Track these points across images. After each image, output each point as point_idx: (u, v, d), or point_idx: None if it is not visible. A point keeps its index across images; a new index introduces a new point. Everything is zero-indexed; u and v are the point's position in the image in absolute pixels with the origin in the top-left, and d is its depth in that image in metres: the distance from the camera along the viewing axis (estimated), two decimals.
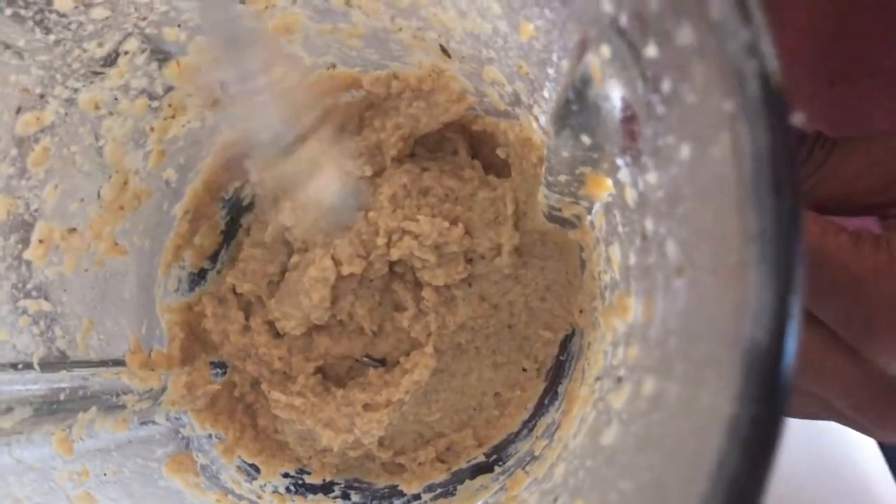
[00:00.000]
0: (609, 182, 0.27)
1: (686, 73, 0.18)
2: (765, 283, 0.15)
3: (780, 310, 0.15)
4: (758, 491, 0.14)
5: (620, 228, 0.27)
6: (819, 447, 0.57)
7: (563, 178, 0.29)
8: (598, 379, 0.30)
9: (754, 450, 0.14)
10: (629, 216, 0.25)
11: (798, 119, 0.16)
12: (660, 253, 0.21)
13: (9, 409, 0.30)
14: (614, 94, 0.22)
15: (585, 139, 0.25)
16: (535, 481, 0.32)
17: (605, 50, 0.21)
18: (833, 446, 0.58)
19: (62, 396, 0.33)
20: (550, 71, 0.29)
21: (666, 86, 0.19)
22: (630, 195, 0.24)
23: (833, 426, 0.53)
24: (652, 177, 0.22)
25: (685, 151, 0.19)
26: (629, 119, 0.23)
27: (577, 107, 0.24)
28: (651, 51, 0.19)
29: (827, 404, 0.31)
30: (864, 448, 0.58)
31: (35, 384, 0.32)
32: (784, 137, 0.16)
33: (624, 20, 0.20)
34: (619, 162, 0.25)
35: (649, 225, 0.23)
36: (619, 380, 0.25)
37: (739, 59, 0.15)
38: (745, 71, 0.15)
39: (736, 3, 0.15)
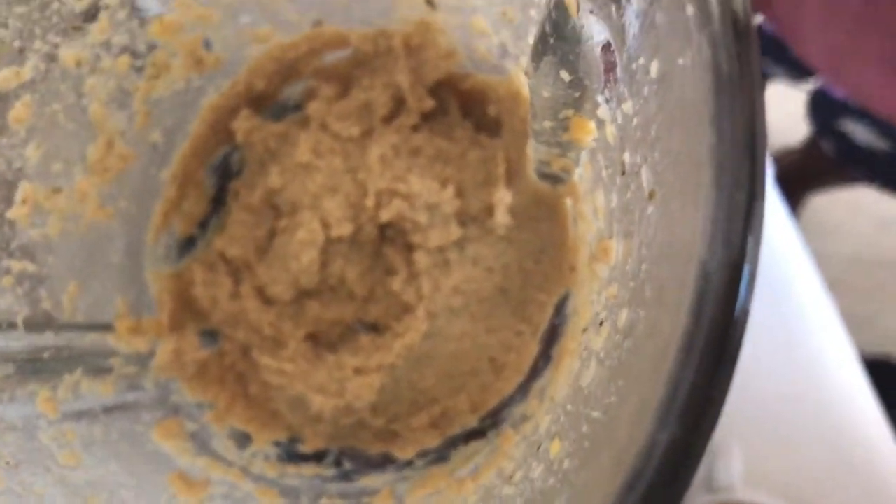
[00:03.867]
0: (592, 125, 0.26)
1: None
2: (718, 203, 0.15)
3: (732, 228, 0.14)
4: (714, 397, 0.13)
5: (604, 172, 0.26)
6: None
7: (547, 124, 0.28)
8: (584, 331, 0.29)
9: (708, 359, 0.14)
10: (610, 156, 0.24)
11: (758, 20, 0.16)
12: (636, 184, 0.21)
13: None
14: (590, 23, 0.22)
15: (565, 75, 0.24)
16: (523, 437, 0.32)
17: None
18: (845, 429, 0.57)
19: (46, 355, 0.32)
20: (533, 13, 0.28)
21: (636, 4, 0.18)
22: (610, 132, 0.24)
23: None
24: (628, 105, 0.21)
25: (655, 68, 0.18)
26: (605, 48, 0.22)
27: (554, 39, 0.23)
28: None
29: None
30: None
31: (17, 342, 0.31)
32: (746, 48, 0.15)
33: None
34: (599, 99, 0.24)
35: (627, 157, 0.22)
36: (601, 323, 0.24)
37: None
38: None
39: None
